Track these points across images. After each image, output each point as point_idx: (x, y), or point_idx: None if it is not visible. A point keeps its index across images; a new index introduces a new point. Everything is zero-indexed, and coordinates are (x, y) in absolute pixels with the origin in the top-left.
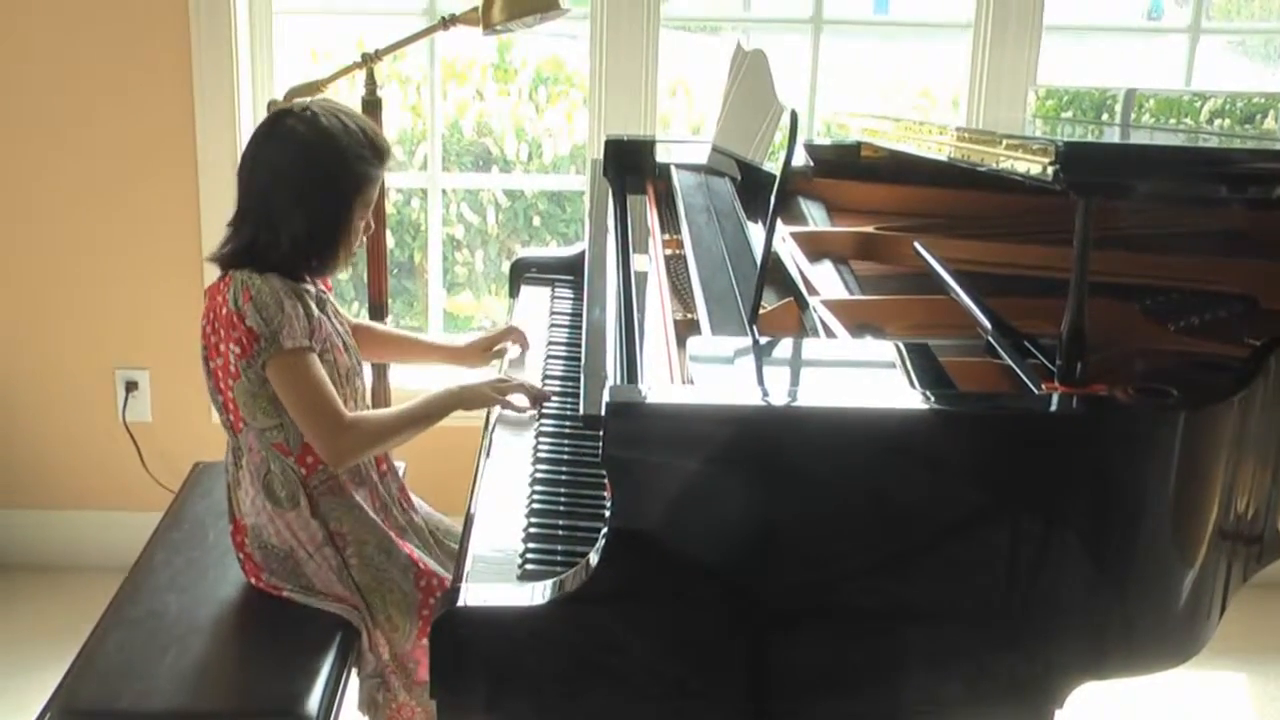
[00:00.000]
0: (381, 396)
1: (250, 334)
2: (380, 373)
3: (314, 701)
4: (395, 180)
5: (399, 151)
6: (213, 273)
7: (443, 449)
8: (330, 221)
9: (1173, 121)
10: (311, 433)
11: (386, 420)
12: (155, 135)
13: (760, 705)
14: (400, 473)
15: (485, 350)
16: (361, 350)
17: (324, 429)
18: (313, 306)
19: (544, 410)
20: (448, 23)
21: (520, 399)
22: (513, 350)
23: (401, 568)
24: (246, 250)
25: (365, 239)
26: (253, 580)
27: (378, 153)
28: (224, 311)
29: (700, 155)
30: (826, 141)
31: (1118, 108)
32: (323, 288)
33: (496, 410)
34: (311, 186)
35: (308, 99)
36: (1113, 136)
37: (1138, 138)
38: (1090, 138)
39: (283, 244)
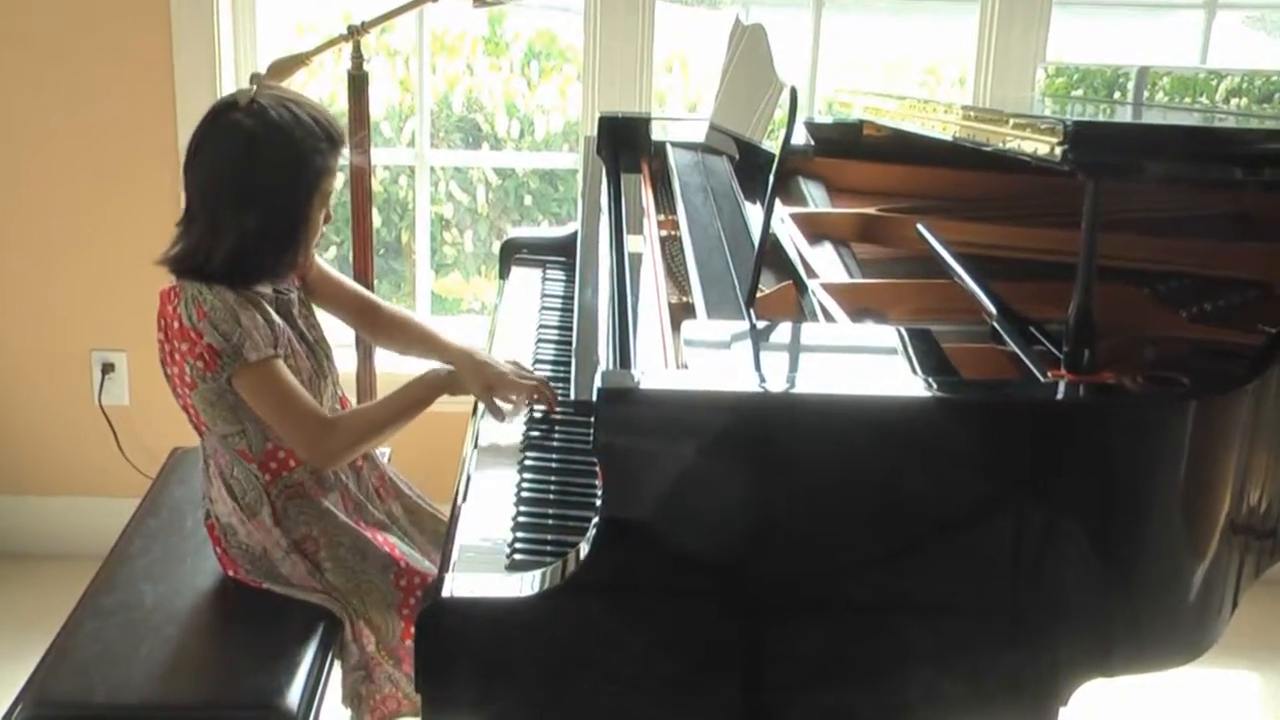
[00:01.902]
0: (365, 381)
1: (211, 350)
2: (365, 355)
3: (295, 694)
4: (382, 157)
5: (386, 128)
6: None
7: (429, 435)
8: (287, 221)
9: (1187, 100)
10: (294, 439)
11: (371, 414)
12: (134, 109)
13: (756, 700)
14: (386, 458)
15: (491, 390)
16: (383, 339)
17: (306, 434)
18: (270, 312)
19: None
20: None
21: (508, 406)
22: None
23: (380, 568)
24: (192, 256)
25: (324, 229)
26: (231, 572)
27: (333, 142)
28: (176, 325)
29: (697, 133)
30: (828, 120)
31: (1130, 86)
32: (287, 286)
33: None
34: (264, 186)
35: (251, 89)
36: (1124, 116)
37: (1150, 117)
38: (1101, 117)
39: (232, 249)
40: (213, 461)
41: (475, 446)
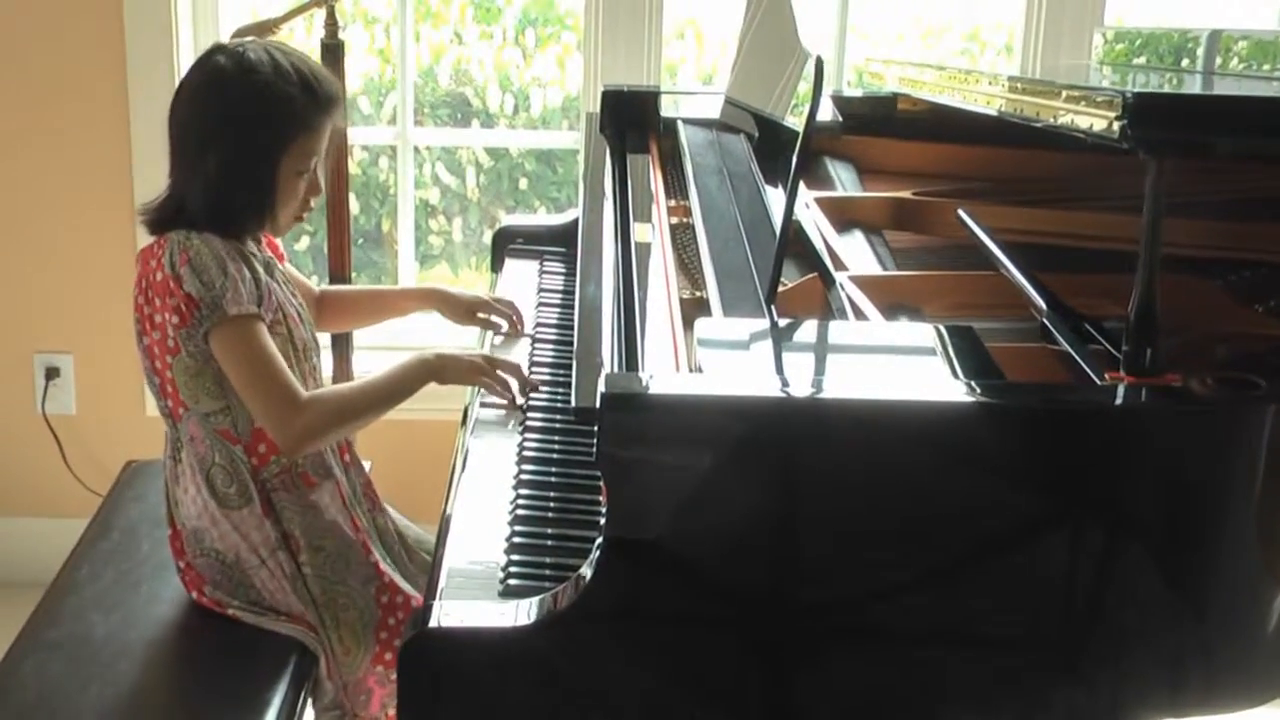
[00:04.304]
0: (343, 379)
1: (189, 300)
2: (342, 353)
3: None
4: (361, 136)
5: (364, 103)
6: (147, 244)
7: (413, 446)
8: (248, 168)
9: (1266, 68)
10: (262, 412)
11: (349, 395)
12: (80, 82)
13: None
14: (366, 469)
15: (474, 310)
16: (331, 320)
17: (276, 407)
18: (260, 271)
19: (530, 402)
20: None
21: (509, 383)
22: (502, 326)
23: (362, 579)
24: (174, 207)
25: (313, 204)
26: (194, 594)
27: (315, 96)
28: (159, 277)
29: (712, 109)
30: (858, 93)
31: (1199, 52)
32: (272, 255)
33: (476, 403)
34: (222, 124)
35: (246, 39)
36: (1193, 86)
37: (1222, 87)
38: (1166, 88)
39: (202, 193)
40: (189, 451)
41: (464, 460)
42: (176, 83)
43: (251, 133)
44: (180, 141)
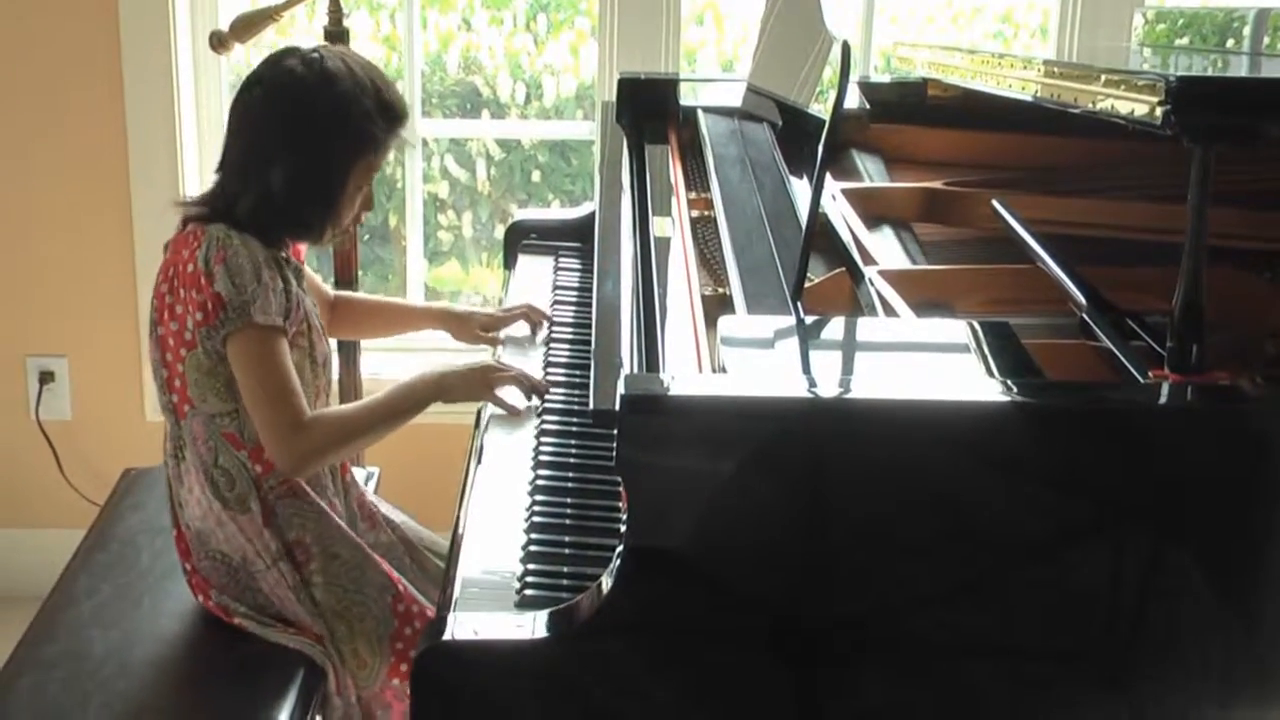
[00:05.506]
0: (350, 388)
1: (217, 299)
2: (350, 360)
3: None
4: None
5: None
6: (145, 240)
7: (424, 451)
8: (318, 180)
9: None
10: (265, 427)
11: (351, 417)
12: (74, 70)
13: None
14: (374, 479)
15: (485, 329)
16: (342, 328)
17: (280, 425)
18: (292, 281)
19: (546, 405)
20: None
21: (515, 394)
22: (518, 329)
23: (378, 588)
24: (218, 204)
25: (364, 219)
26: (200, 598)
27: (388, 114)
28: (189, 269)
29: (733, 97)
30: (885, 79)
31: (1246, 32)
32: (298, 262)
33: (489, 405)
34: (299, 134)
35: (320, 44)
36: (1240, 69)
37: (1270, 70)
38: (1211, 71)
39: (257, 198)
40: (191, 451)
41: (479, 464)
42: (174, 83)
43: (328, 145)
44: (241, 141)
